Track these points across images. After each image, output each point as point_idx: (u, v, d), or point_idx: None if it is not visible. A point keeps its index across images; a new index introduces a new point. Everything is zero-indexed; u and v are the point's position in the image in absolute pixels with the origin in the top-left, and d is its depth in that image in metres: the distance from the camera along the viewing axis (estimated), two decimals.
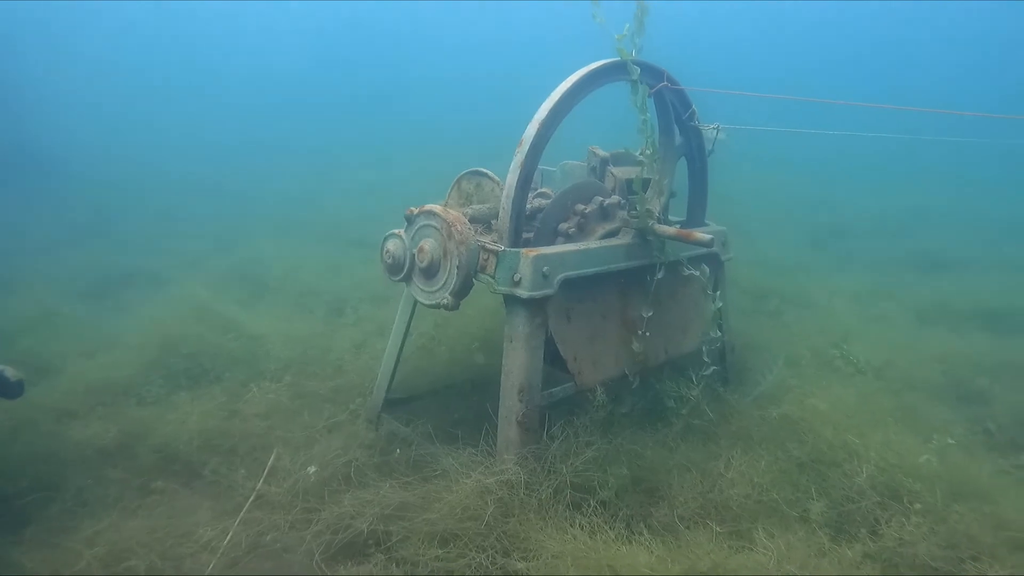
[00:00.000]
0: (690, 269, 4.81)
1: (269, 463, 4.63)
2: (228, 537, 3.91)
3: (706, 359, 4.95)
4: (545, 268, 4.09)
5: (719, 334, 5.84)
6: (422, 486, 3.96)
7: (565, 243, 4.57)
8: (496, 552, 3.50)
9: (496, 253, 4.17)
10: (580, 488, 3.83)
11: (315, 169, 18.72)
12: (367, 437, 4.87)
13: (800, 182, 17.31)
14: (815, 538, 3.38)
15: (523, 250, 4.12)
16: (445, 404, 5.39)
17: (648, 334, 4.79)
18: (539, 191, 5.48)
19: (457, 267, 4.22)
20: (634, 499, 3.91)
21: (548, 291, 4.11)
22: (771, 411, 4.57)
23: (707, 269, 4.88)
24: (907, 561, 3.24)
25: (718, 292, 5.45)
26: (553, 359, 4.44)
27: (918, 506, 3.48)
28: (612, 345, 4.71)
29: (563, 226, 4.68)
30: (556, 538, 3.39)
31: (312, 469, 4.41)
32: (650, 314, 4.78)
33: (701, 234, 4.46)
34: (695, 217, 5.63)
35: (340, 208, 13.85)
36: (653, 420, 4.71)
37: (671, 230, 4.62)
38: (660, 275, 4.74)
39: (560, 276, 4.18)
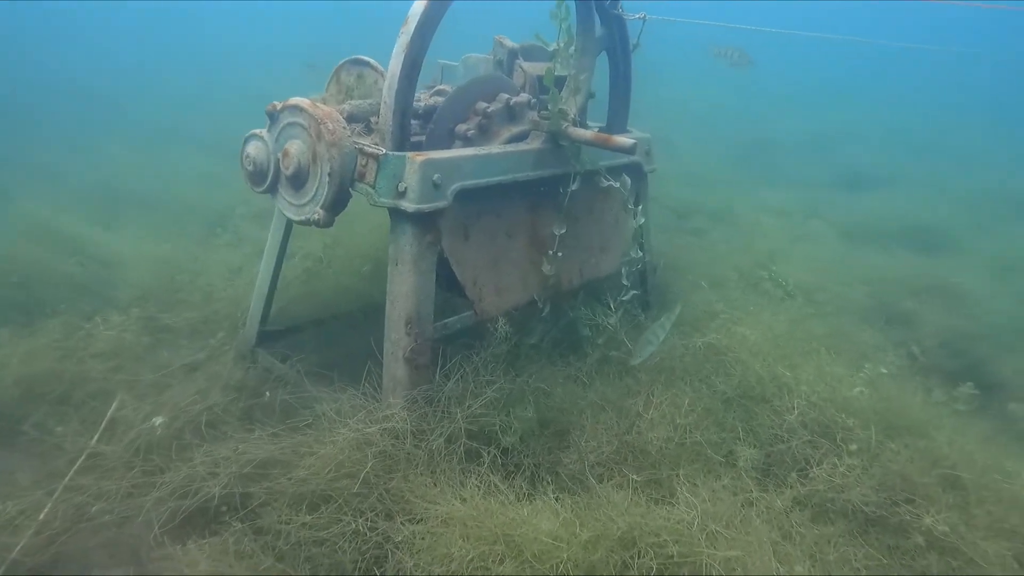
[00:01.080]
0: (609, 180, 4.20)
1: (108, 414, 3.84)
2: (45, 510, 3.17)
3: (625, 282, 4.44)
4: (436, 176, 3.36)
5: (640, 254, 5.36)
6: (291, 438, 3.31)
7: (463, 147, 3.84)
8: (377, 515, 2.93)
9: (376, 158, 3.41)
10: (478, 436, 3.29)
11: (204, 69, 16.69)
12: (233, 378, 4.14)
13: (731, 97, 16.86)
14: (742, 484, 2.99)
15: (410, 154, 3.37)
16: (331, 337, 4.70)
17: (560, 255, 4.19)
18: (436, 88, 4.65)
19: (329, 175, 3.44)
20: (541, 445, 3.42)
21: (440, 203, 3.41)
22: (695, 340, 4.12)
23: (628, 181, 4.29)
24: (838, 507, 2.91)
25: (640, 207, 4.91)
26: (449, 284, 3.79)
27: (853, 447, 3.14)
28: (519, 267, 4.11)
29: (461, 128, 3.92)
30: (446, 499, 2.85)
31: (159, 420, 3.66)
32: (563, 231, 4.16)
33: (623, 139, 3.83)
34: (616, 122, 4.98)
35: (230, 113, 12.33)
36: (565, 352, 4.20)
37: (588, 134, 3.95)
38: (575, 187, 4.10)
39: (455, 186, 3.47)
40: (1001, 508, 2.99)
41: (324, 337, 4.71)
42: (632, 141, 3.79)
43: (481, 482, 2.93)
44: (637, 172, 4.98)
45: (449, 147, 3.87)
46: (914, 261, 6.85)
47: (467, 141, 3.88)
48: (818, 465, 3.11)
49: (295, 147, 3.55)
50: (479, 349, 3.69)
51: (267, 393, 3.98)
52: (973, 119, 17.53)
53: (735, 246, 6.45)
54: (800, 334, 4.24)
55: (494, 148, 3.84)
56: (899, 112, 17.60)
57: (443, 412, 3.37)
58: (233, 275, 5.58)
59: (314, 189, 3.54)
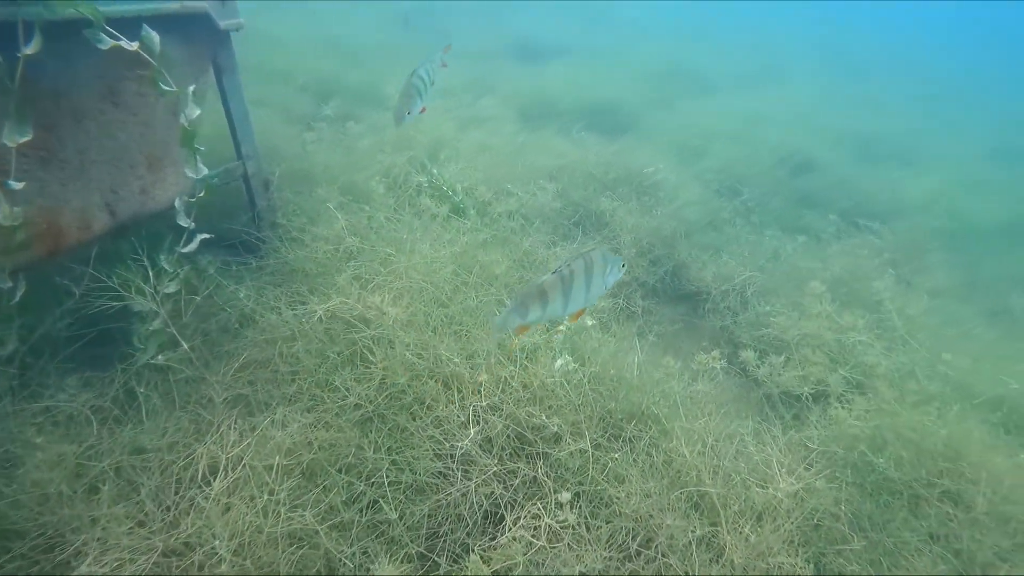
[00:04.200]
0: (109, 37, 2.24)
1: None
2: None
3: (185, 221, 2.64)
4: None
5: (239, 162, 3.57)
6: None
7: None
8: None
9: None
10: None
11: None
12: None
13: None
14: None
15: None
16: None
17: (25, 184, 2.20)
18: None
19: None
20: None
21: None
22: (311, 311, 2.58)
23: (154, 37, 2.37)
24: None
25: (223, 87, 3.06)
26: None
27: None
28: None
29: None
30: None
31: None
32: (24, 139, 2.15)
33: None
34: None
35: None
36: (82, 364, 2.33)
37: None
38: (30, 48, 2.07)
39: None
40: None
41: None
42: None
43: None
44: (204, 26, 3.05)
45: None
46: (601, 144, 5.78)
47: None
48: None
49: None
50: None
51: None
52: None
53: (385, 138, 4.73)
54: (472, 278, 2.96)
55: None
56: None
57: None
58: None
59: None
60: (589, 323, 2.90)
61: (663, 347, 3.65)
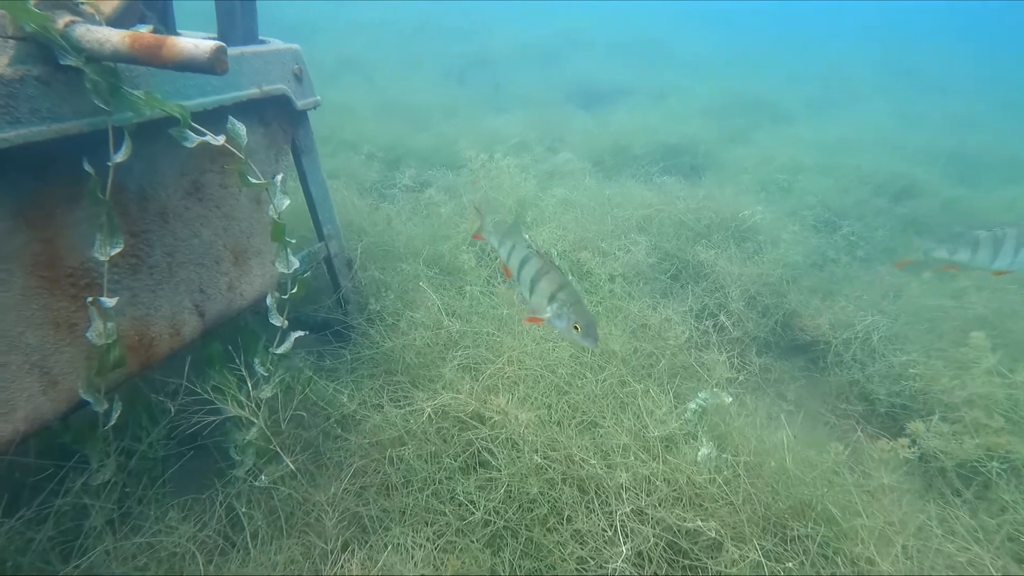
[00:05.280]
0: (195, 133, 2.09)
1: None
2: None
3: (277, 320, 2.46)
4: None
5: (321, 243, 3.43)
6: None
7: None
8: None
9: None
10: None
11: None
12: None
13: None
14: None
15: None
16: None
17: (126, 294, 2.06)
18: None
19: None
20: None
21: None
22: (418, 408, 2.33)
23: (240, 129, 2.22)
24: None
25: (303, 168, 2.94)
26: None
27: None
28: (20, 346, 1.88)
29: None
30: None
31: None
32: (116, 251, 2.00)
33: (191, 43, 1.76)
34: (233, 28, 2.85)
35: None
36: (178, 488, 2.14)
37: (113, 35, 1.79)
38: (120, 156, 1.94)
39: None
40: None
41: None
42: (212, 46, 1.75)
43: None
44: (283, 108, 2.93)
45: None
46: (682, 187, 5.26)
47: None
48: None
49: None
50: None
51: None
52: None
53: (464, 203, 4.49)
54: (588, 357, 2.65)
55: None
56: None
57: None
58: None
59: None
60: (727, 400, 2.55)
61: (798, 412, 3.23)
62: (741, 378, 3.07)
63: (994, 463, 2.69)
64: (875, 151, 7.01)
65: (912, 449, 2.52)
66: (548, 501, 2.08)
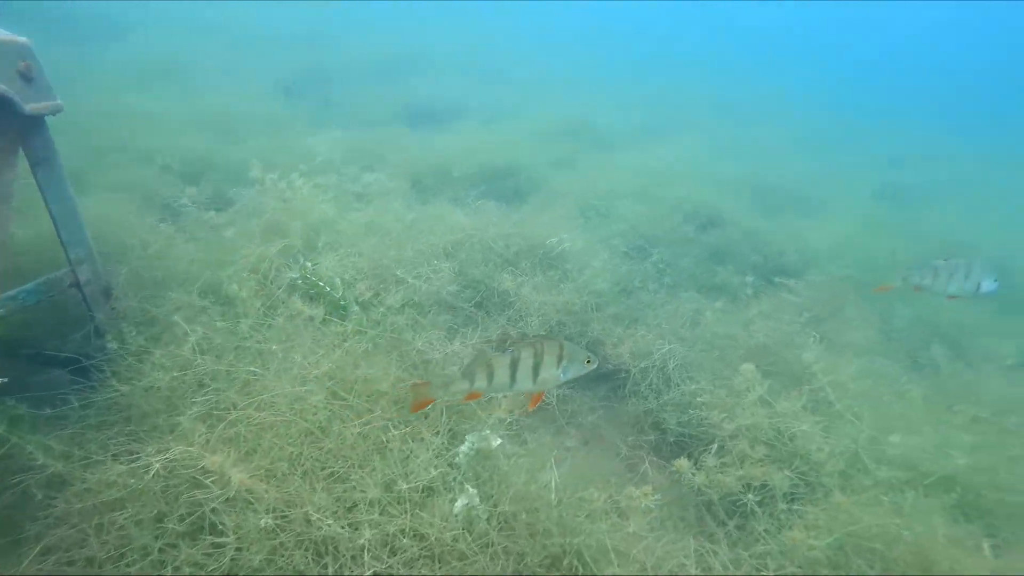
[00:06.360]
0: None
1: None
2: None
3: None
4: None
5: (67, 269, 2.98)
6: None
7: None
8: None
9: None
10: None
11: None
12: None
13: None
14: None
15: None
16: None
17: None
18: None
19: None
20: None
21: None
22: (147, 464, 2.00)
23: None
24: None
25: (40, 183, 2.51)
26: None
27: None
28: None
29: None
30: None
31: None
32: None
33: None
34: None
35: None
36: None
37: None
38: None
39: None
40: None
41: None
42: None
43: None
44: (2, 111, 2.50)
45: None
46: (501, 213, 5.14)
47: None
48: None
49: None
50: None
51: None
52: None
53: (253, 227, 4.00)
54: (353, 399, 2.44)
55: None
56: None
57: None
58: None
59: None
60: (495, 443, 2.44)
61: (586, 444, 3.22)
62: (516, 417, 2.99)
63: (750, 495, 2.81)
64: (690, 180, 7.44)
65: (656, 497, 2.50)
66: (275, 570, 1.85)
